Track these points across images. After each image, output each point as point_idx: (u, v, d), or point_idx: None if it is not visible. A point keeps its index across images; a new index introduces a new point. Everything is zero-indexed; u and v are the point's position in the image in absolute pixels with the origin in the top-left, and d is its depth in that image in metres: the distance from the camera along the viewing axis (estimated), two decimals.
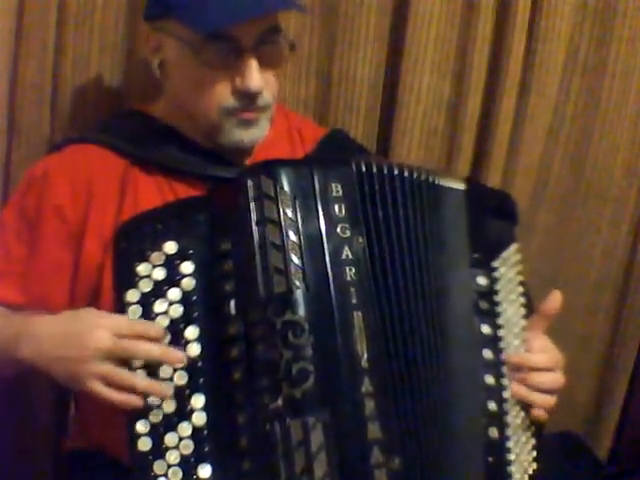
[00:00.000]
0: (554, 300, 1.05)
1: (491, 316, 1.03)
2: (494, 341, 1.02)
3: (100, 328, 0.90)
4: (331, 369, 0.89)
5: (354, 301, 0.92)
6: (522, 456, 1.01)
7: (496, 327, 1.03)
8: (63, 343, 0.92)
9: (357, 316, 0.92)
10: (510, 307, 1.05)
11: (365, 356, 0.91)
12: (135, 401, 0.89)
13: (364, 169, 0.97)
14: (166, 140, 1.10)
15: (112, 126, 1.16)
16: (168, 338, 0.92)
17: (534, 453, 1.03)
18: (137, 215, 0.98)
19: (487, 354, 1.01)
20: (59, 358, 0.92)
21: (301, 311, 0.89)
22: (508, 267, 1.06)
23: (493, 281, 1.05)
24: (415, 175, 1.00)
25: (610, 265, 1.68)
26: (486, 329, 1.02)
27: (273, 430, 0.87)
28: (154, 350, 0.90)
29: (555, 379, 1.04)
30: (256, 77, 1.01)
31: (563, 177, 1.60)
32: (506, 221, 1.10)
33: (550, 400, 1.03)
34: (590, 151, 1.59)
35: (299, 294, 0.89)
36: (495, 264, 1.05)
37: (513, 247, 1.08)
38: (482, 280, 1.04)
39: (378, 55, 1.41)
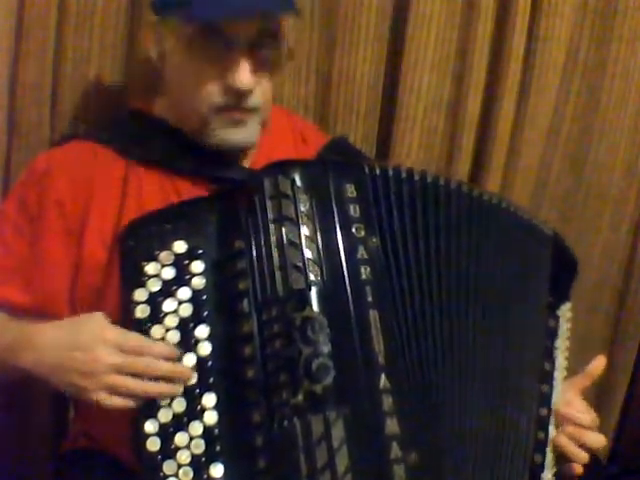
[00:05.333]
0: (599, 363, 1.09)
1: (551, 356, 1.07)
2: (551, 379, 1.05)
3: (106, 342, 0.90)
4: (349, 365, 0.90)
5: (370, 299, 0.92)
6: None
7: (554, 367, 1.06)
8: (67, 354, 0.91)
9: (373, 314, 0.92)
10: (560, 355, 1.08)
11: (382, 353, 0.91)
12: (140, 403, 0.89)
13: (377, 172, 0.98)
14: (167, 139, 1.10)
15: (114, 126, 1.15)
16: (178, 337, 0.91)
17: None
18: (144, 215, 0.98)
19: (545, 388, 1.04)
20: (62, 369, 0.92)
21: (319, 307, 0.89)
22: (564, 319, 1.10)
23: (557, 326, 1.09)
24: (463, 190, 1.02)
25: (610, 265, 1.69)
26: (547, 366, 1.06)
27: (293, 426, 0.87)
28: (163, 367, 0.90)
29: (600, 440, 1.06)
30: (246, 75, 1.00)
31: (563, 177, 1.60)
32: (567, 279, 1.14)
33: (586, 457, 1.05)
34: (590, 151, 1.59)
35: (317, 291, 0.90)
36: (558, 313, 1.10)
37: (569, 304, 1.12)
38: (551, 322, 1.08)
39: (378, 55, 1.41)
